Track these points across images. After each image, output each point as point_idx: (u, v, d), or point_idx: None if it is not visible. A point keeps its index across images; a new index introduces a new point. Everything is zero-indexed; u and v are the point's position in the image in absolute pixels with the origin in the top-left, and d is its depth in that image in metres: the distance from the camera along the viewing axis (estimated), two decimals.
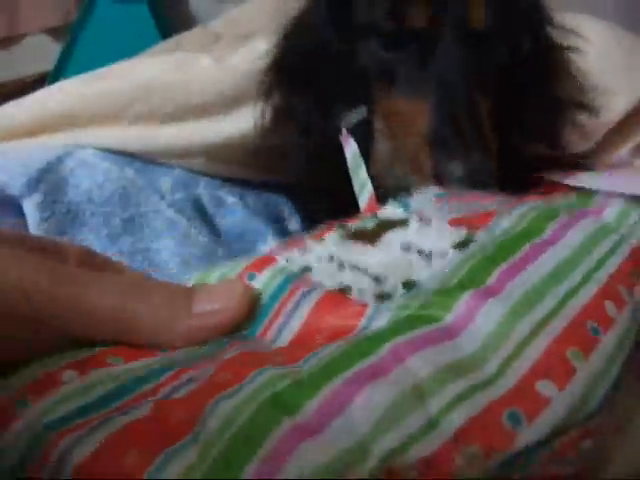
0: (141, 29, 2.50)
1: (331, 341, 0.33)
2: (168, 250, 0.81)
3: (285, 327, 0.37)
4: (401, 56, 0.70)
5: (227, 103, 0.86)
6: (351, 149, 0.67)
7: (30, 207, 0.80)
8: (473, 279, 0.38)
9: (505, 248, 0.42)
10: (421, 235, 0.45)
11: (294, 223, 0.93)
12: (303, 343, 0.34)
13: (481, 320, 0.34)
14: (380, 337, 0.32)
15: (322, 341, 0.33)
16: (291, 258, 0.43)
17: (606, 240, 0.47)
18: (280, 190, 0.97)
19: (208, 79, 0.86)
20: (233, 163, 0.92)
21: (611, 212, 0.53)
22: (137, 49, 1.98)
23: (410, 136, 0.68)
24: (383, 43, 0.70)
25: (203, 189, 0.89)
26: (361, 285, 0.39)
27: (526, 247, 0.43)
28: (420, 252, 0.43)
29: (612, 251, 0.46)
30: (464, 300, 0.36)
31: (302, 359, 0.31)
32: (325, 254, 0.43)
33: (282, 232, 0.89)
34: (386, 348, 0.32)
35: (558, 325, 0.36)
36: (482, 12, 0.67)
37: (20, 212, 0.82)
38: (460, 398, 0.31)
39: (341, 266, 0.41)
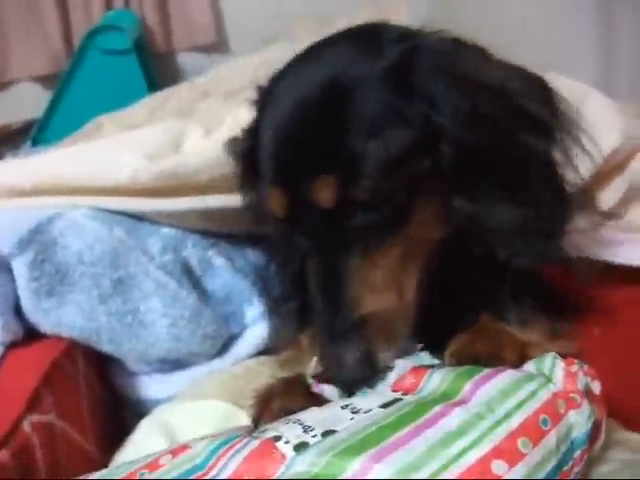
0: (129, 80, 2.55)
1: None
2: (157, 312, 0.83)
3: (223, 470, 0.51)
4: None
5: (217, 181, 0.88)
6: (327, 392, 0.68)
7: (20, 266, 0.81)
8: (369, 441, 0.49)
9: (417, 411, 0.53)
10: (362, 397, 0.59)
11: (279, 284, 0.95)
12: None
13: None
14: None
15: None
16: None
17: (521, 390, 0.55)
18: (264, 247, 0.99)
19: (200, 161, 0.88)
20: (223, 222, 0.94)
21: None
22: (124, 100, 2.02)
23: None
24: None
25: (192, 249, 0.91)
26: (289, 435, 0.52)
27: (436, 409, 0.53)
28: (353, 410, 0.55)
29: (529, 398, 0.54)
30: (356, 463, 0.47)
31: None
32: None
33: (268, 294, 0.91)
34: None
35: None
36: (327, 193, 0.59)
37: (8, 271, 0.83)
38: None
39: (288, 419, 0.57)
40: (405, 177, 0.60)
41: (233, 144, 0.79)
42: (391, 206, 0.60)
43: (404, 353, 0.64)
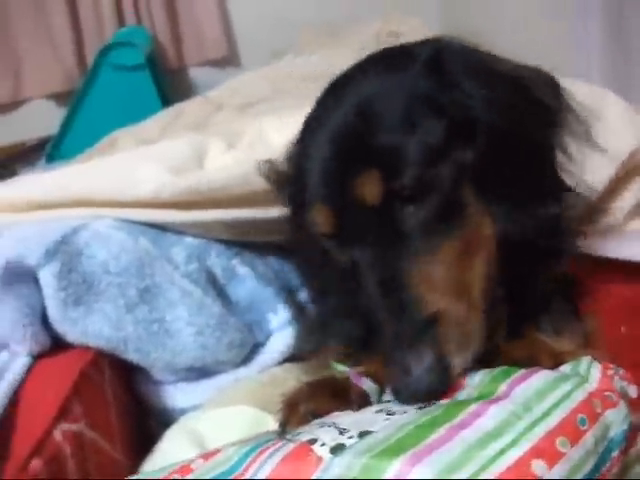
0: (142, 96, 2.57)
1: None
2: (183, 320, 0.83)
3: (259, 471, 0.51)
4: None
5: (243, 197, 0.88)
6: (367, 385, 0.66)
7: (47, 276, 0.82)
8: (406, 442, 0.49)
9: (453, 411, 0.52)
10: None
11: (303, 293, 0.95)
12: None
13: None
14: None
15: None
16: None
17: (558, 390, 0.55)
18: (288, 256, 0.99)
19: (226, 177, 0.88)
20: (246, 233, 0.94)
21: None
22: (138, 115, 2.03)
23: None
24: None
25: (215, 258, 0.92)
26: (325, 438, 0.52)
27: (472, 408, 0.52)
28: (388, 412, 0.56)
29: (565, 398, 0.54)
30: (394, 465, 0.47)
31: None
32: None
33: (291, 302, 0.91)
34: None
35: None
36: (372, 188, 0.59)
37: (35, 282, 0.83)
38: None
39: (323, 423, 0.57)
40: (447, 166, 0.60)
41: (269, 168, 0.78)
42: (438, 198, 0.60)
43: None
